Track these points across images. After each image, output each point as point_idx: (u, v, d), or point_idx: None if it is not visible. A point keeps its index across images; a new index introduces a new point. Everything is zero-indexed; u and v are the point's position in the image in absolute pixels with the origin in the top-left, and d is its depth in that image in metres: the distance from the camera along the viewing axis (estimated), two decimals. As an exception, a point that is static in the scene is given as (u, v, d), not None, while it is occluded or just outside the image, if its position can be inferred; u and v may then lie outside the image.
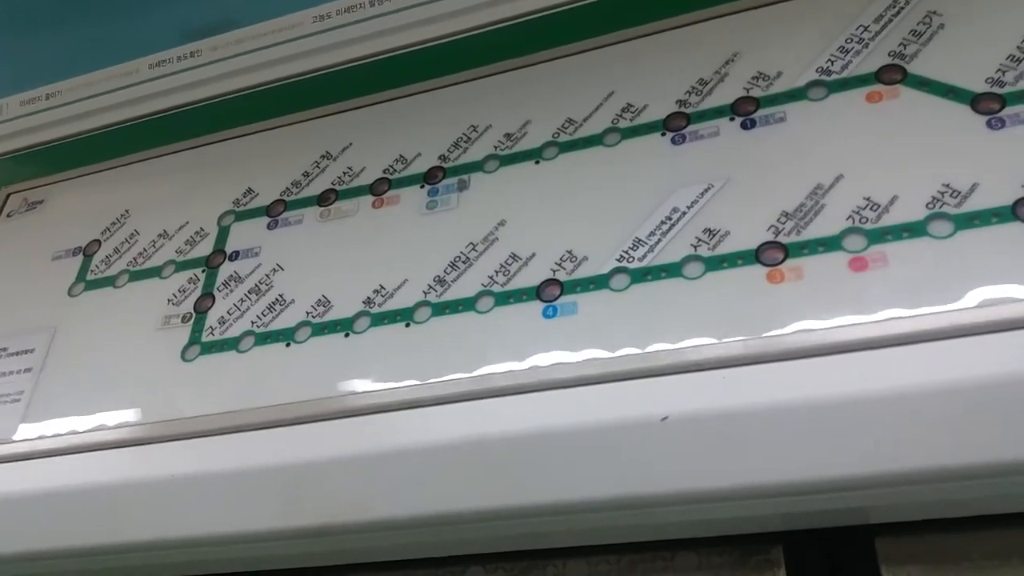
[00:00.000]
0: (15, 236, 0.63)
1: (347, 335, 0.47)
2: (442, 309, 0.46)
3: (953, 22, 0.45)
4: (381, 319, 0.47)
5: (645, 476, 0.38)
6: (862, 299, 0.38)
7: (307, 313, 0.49)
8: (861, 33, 0.46)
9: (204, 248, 0.55)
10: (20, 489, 0.48)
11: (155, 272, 0.55)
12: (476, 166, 0.51)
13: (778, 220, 0.42)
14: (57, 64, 0.67)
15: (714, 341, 0.39)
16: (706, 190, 0.44)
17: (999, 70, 0.42)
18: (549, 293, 0.44)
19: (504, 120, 0.52)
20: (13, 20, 0.66)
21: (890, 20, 0.46)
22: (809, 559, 0.43)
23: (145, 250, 0.57)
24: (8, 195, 0.67)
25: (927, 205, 0.39)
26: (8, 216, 0.65)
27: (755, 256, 0.41)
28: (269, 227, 0.54)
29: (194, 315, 0.52)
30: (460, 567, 0.47)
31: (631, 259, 0.43)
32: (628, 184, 0.46)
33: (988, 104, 0.41)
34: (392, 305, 0.47)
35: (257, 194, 0.56)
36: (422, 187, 0.52)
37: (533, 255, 0.46)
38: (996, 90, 0.41)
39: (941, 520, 0.40)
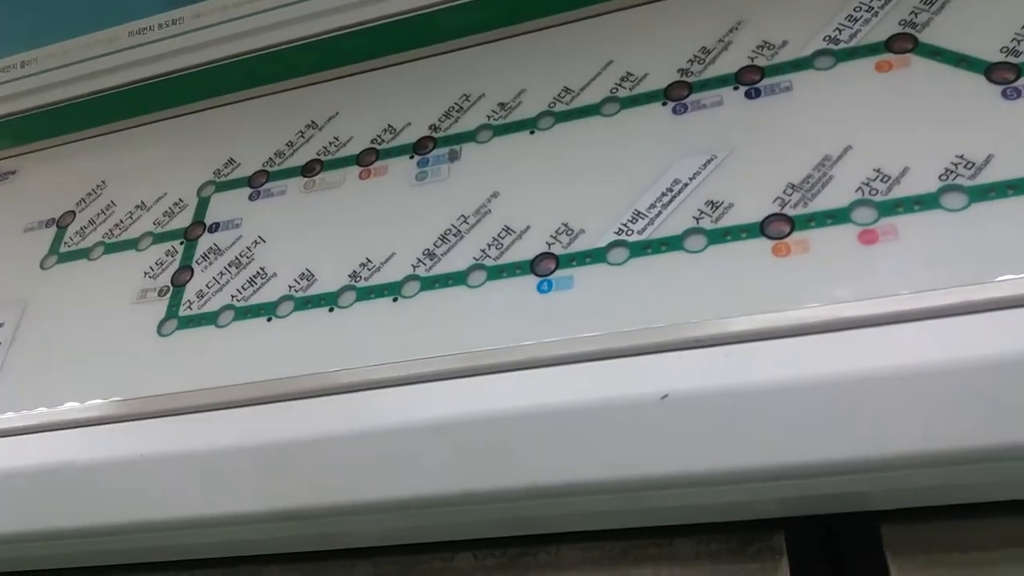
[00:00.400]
0: (-14, 207, 0.61)
1: (331, 310, 0.45)
2: (432, 283, 0.44)
3: (966, -10, 0.43)
4: (367, 293, 0.45)
5: (643, 457, 0.37)
6: (872, 273, 0.36)
7: (290, 287, 0.47)
8: (870, 1, 0.45)
9: (183, 220, 0.53)
10: (-14, 468, 0.46)
11: (132, 244, 0.53)
12: (468, 136, 0.49)
13: (784, 192, 0.40)
14: (32, 31, 0.65)
15: (717, 317, 0.37)
16: (709, 161, 0.42)
17: (1014, 39, 0.40)
18: (544, 267, 0.42)
19: (498, 89, 0.50)
20: (-14, -16, 0.63)
21: (901, -12, 0.44)
22: (812, 546, 0.42)
23: (122, 221, 0.54)
24: (-21, 165, 0.64)
25: (940, 177, 0.38)
26: (-21, 187, 0.62)
27: (760, 229, 0.39)
28: (251, 198, 0.52)
29: (171, 288, 0.49)
30: (448, 553, 0.45)
31: (630, 232, 0.42)
32: (627, 155, 0.44)
33: (1003, 74, 0.39)
34: (379, 279, 0.45)
35: (239, 164, 0.54)
36: (411, 157, 0.49)
37: (527, 228, 0.44)
38: (1011, 59, 0.40)
39: (948, 507, 0.38)
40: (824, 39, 0.44)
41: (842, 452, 0.35)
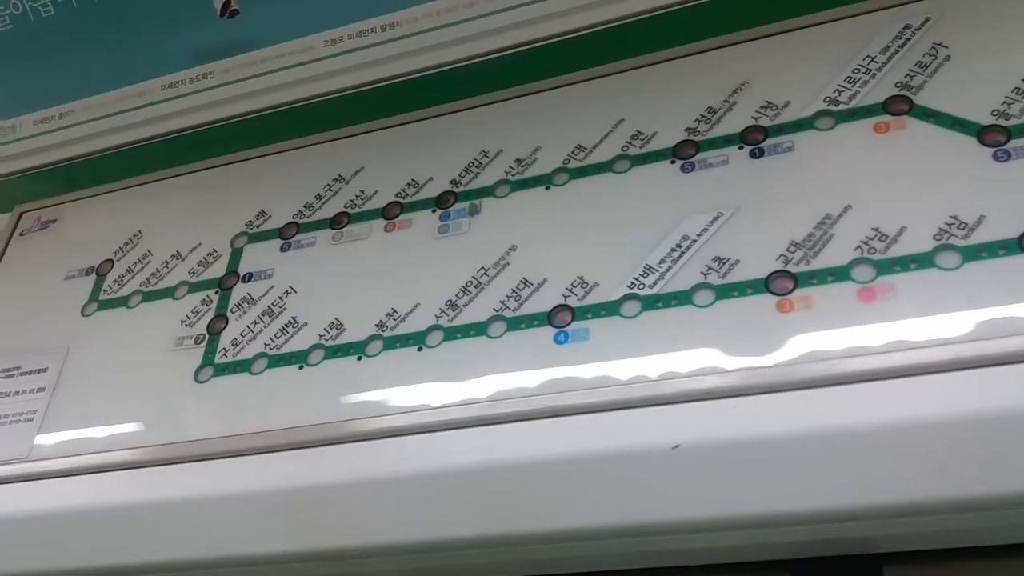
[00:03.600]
0: (29, 255, 0.64)
1: (360, 358, 0.47)
2: (454, 333, 0.46)
3: (959, 54, 0.45)
4: (393, 343, 0.47)
5: (656, 504, 0.39)
6: (871, 330, 0.38)
7: (320, 336, 0.49)
8: (868, 63, 0.47)
9: (217, 269, 0.55)
10: (34, 509, 0.48)
11: (168, 293, 0.56)
12: (487, 191, 0.52)
13: (787, 249, 0.42)
14: (71, 84, 0.68)
15: (724, 370, 0.40)
16: (716, 218, 0.45)
17: (1005, 102, 0.43)
18: (560, 319, 0.45)
19: (515, 145, 0.53)
20: (28, 40, 0.66)
21: (896, 51, 0.47)
22: (817, 586, 0.44)
23: (158, 270, 0.57)
24: (21, 213, 0.67)
25: (935, 236, 0.40)
26: (21, 235, 0.66)
27: (765, 285, 0.41)
28: (282, 249, 0.55)
29: (207, 336, 0.52)
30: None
31: (642, 286, 0.44)
32: (638, 211, 0.47)
33: (994, 136, 0.42)
34: (404, 329, 0.48)
35: (270, 216, 0.57)
36: (434, 211, 0.52)
37: (544, 280, 0.46)
38: (1002, 122, 0.42)
39: (949, 550, 0.40)
40: (825, 100, 0.47)
41: (846, 500, 0.37)
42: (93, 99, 0.67)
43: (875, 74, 0.46)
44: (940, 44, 0.46)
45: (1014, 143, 0.41)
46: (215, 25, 0.62)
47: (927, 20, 0.47)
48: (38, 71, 0.68)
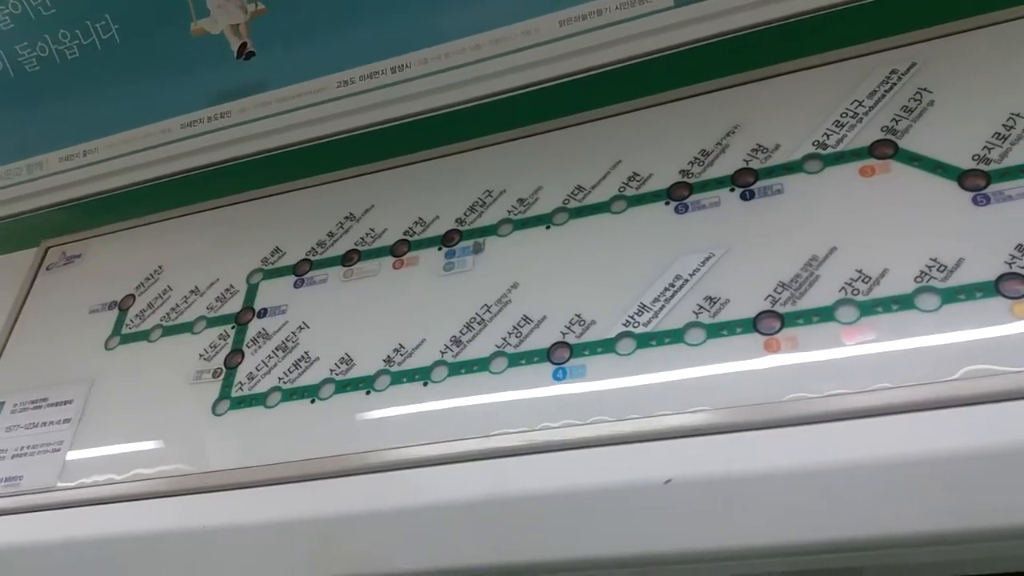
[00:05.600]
0: (55, 289, 0.66)
1: (368, 392, 0.50)
2: (458, 369, 0.48)
3: (943, 99, 0.47)
4: (400, 377, 0.50)
5: (650, 536, 0.41)
6: (854, 369, 0.40)
7: (331, 370, 0.52)
8: (856, 107, 0.49)
9: (234, 305, 0.58)
10: (61, 537, 0.51)
11: (187, 327, 0.58)
12: (491, 230, 0.54)
13: (775, 290, 0.44)
14: (94, 123, 0.71)
15: (714, 407, 0.41)
16: (707, 259, 0.47)
17: (985, 147, 0.44)
18: (559, 355, 0.47)
19: (517, 185, 0.55)
20: (54, 81, 0.69)
21: (883, 95, 0.49)
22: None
23: (178, 305, 0.60)
24: (47, 248, 0.70)
25: (915, 279, 0.42)
26: (48, 269, 0.68)
27: (753, 325, 0.43)
28: (295, 286, 0.57)
29: (224, 370, 0.55)
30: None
31: (636, 324, 0.46)
32: (633, 250, 0.49)
33: (974, 180, 0.43)
34: (411, 364, 0.50)
35: (284, 253, 0.59)
36: (440, 249, 0.54)
37: (544, 318, 0.49)
38: (982, 167, 0.44)
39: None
40: (813, 143, 0.48)
41: (831, 533, 0.39)
42: (116, 137, 0.70)
43: (862, 118, 0.48)
44: (925, 89, 0.48)
45: (993, 187, 0.43)
46: (232, 67, 0.65)
47: (913, 65, 0.49)
48: (64, 110, 0.71)
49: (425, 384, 0.49)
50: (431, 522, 0.44)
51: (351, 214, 0.59)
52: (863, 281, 0.42)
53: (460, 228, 0.55)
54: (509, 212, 0.54)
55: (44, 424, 0.57)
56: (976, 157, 0.44)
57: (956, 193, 0.43)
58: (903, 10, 0.50)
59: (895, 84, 0.49)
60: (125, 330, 0.60)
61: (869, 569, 0.41)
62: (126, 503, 0.51)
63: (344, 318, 0.54)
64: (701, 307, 0.45)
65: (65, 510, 0.52)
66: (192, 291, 0.60)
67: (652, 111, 0.55)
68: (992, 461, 0.36)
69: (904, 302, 0.41)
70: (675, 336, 0.45)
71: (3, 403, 0.59)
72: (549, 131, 0.57)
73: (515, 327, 0.49)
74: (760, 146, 0.50)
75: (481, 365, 0.48)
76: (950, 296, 0.40)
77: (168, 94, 0.68)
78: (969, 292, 0.40)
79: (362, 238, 0.57)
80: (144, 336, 0.59)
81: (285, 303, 0.56)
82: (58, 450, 0.55)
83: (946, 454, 0.37)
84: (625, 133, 0.54)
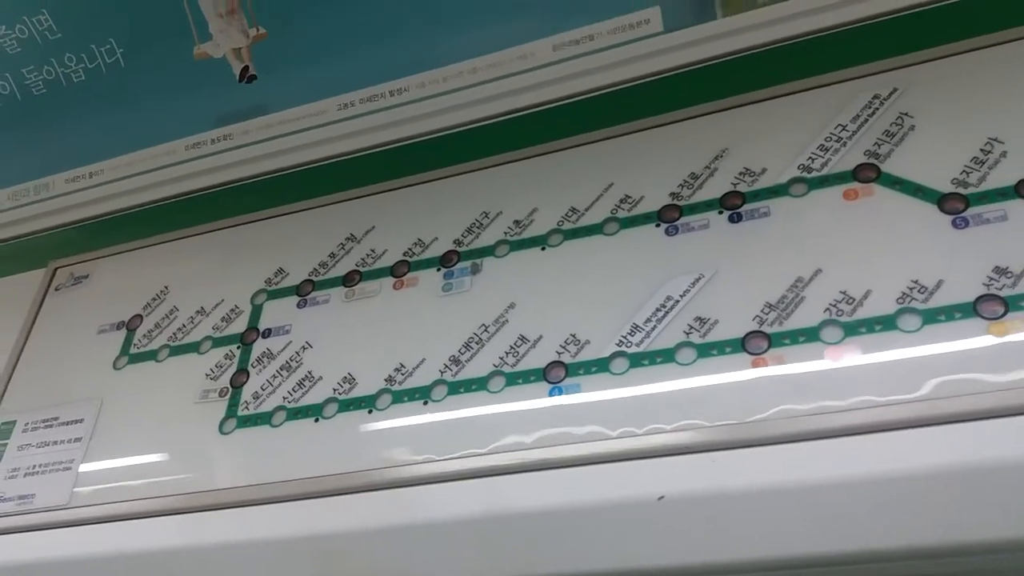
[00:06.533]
0: (63, 309, 0.68)
1: (370, 411, 0.51)
2: (457, 388, 0.50)
3: (923, 124, 0.49)
4: (401, 396, 0.51)
5: (644, 551, 0.42)
6: (838, 388, 0.42)
7: (334, 390, 0.53)
8: (840, 132, 0.50)
9: (239, 325, 0.60)
10: (74, 554, 0.52)
11: (193, 347, 0.60)
12: (488, 251, 0.55)
13: (762, 311, 0.46)
14: (100, 144, 0.72)
15: (705, 424, 0.43)
16: (697, 279, 0.48)
17: (964, 171, 0.46)
18: (555, 374, 0.48)
19: (513, 207, 0.57)
20: (60, 103, 0.71)
21: (866, 120, 0.50)
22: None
23: (184, 326, 0.62)
24: (56, 269, 0.72)
25: (897, 300, 0.43)
26: (56, 289, 0.70)
27: (742, 344, 0.45)
28: (299, 306, 0.59)
29: (230, 390, 0.56)
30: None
31: (629, 344, 0.47)
32: (626, 272, 0.50)
33: (953, 204, 0.45)
34: (411, 383, 0.51)
35: (288, 274, 0.61)
36: (438, 270, 0.56)
37: (540, 337, 0.50)
38: (961, 191, 0.45)
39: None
40: (799, 167, 0.50)
41: (818, 547, 0.40)
42: (121, 159, 0.72)
43: (846, 142, 0.50)
44: (906, 114, 0.50)
45: (971, 211, 0.44)
46: (234, 90, 0.67)
47: (895, 90, 0.51)
48: (70, 132, 0.72)
49: (425, 403, 0.50)
50: (432, 538, 0.46)
51: (352, 235, 0.61)
52: (847, 302, 0.44)
53: (458, 249, 0.56)
54: (506, 233, 0.56)
55: (55, 443, 0.59)
56: (955, 181, 0.46)
57: (936, 216, 0.45)
58: (885, 36, 0.52)
59: (878, 109, 0.50)
60: (133, 350, 0.62)
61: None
62: (136, 520, 0.52)
63: (346, 338, 0.55)
64: (691, 327, 0.47)
65: (76, 528, 0.54)
66: (198, 311, 0.62)
67: (643, 135, 0.56)
68: (971, 477, 0.38)
69: (886, 322, 0.43)
70: (667, 355, 0.46)
71: (15, 422, 0.61)
72: (544, 154, 0.59)
73: (512, 347, 0.50)
74: (747, 169, 0.51)
75: (479, 384, 0.50)
76: (930, 317, 0.42)
77: (172, 116, 0.69)
78: (948, 313, 0.42)
79: (363, 259, 0.59)
80: (152, 356, 0.61)
81: (289, 323, 0.58)
82: (69, 468, 0.57)
83: (927, 470, 0.39)
84: (617, 156, 0.56)
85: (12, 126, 0.72)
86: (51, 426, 0.60)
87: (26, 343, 0.66)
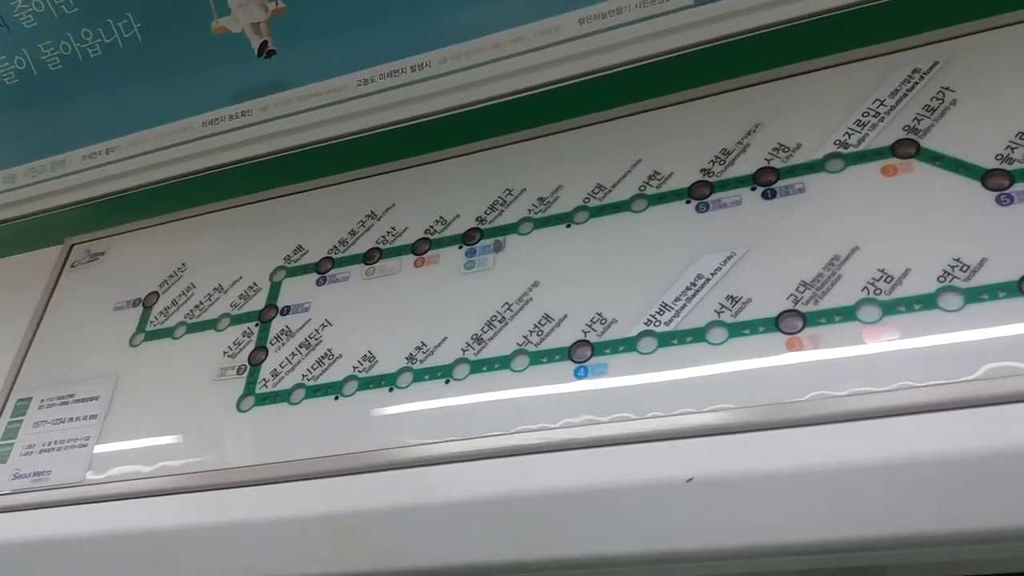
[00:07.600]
0: (79, 286, 0.67)
1: (391, 390, 0.50)
2: (479, 367, 0.49)
3: (965, 98, 0.47)
4: (423, 375, 0.50)
5: (672, 534, 0.41)
6: (876, 369, 0.40)
7: (354, 367, 0.52)
8: (877, 107, 0.49)
9: (257, 302, 0.59)
10: (89, 531, 0.52)
11: (211, 324, 0.59)
12: (511, 228, 0.54)
13: (797, 289, 0.44)
14: (117, 120, 0.72)
15: (736, 406, 0.42)
16: (729, 258, 0.47)
17: (1008, 147, 0.44)
18: (580, 354, 0.47)
19: (538, 184, 0.55)
20: (77, 79, 0.70)
21: (905, 95, 0.49)
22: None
23: (201, 303, 0.61)
24: (72, 245, 0.71)
25: (938, 279, 0.42)
26: (72, 266, 0.69)
27: (775, 324, 0.44)
28: (318, 283, 0.58)
29: (248, 367, 0.55)
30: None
31: (658, 323, 0.46)
32: (655, 249, 0.49)
33: (998, 180, 0.43)
34: (433, 362, 0.50)
35: (307, 251, 0.60)
36: (460, 248, 0.55)
37: (565, 316, 0.49)
38: (1005, 167, 0.44)
39: (954, 577, 0.42)
40: (835, 143, 0.48)
41: (850, 531, 0.39)
42: (138, 135, 0.71)
43: (884, 117, 0.48)
44: (947, 88, 0.48)
45: (1017, 187, 0.43)
46: (253, 65, 0.66)
47: (935, 64, 0.49)
48: (86, 108, 0.71)
49: (447, 381, 0.49)
50: (452, 518, 0.45)
51: (372, 212, 0.60)
52: (885, 281, 0.43)
53: (481, 227, 0.55)
54: (530, 211, 0.54)
55: (71, 420, 0.58)
56: (999, 156, 0.44)
57: (979, 193, 0.43)
58: (925, 9, 0.50)
59: (917, 83, 0.49)
60: (149, 327, 0.61)
61: (892, 568, 0.42)
62: (152, 498, 0.52)
63: (366, 316, 0.54)
64: (723, 306, 0.45)
65: (92, 505, 0.53)
66: (216, 288, 0.61)
67: (672, 110, 0.55)
68: (1016, 460, 0.37)
69: (927, 302, 0.41)
70: (697, 335, 0.45)
71: (31, 399, 0.60)
72: (569, 130, 0.57)
73: (536, 325, 0.49)
74: (781, 145, 0.50)
75: (502, 363, 0.49)
76: (973, 296, 0.40)
77: (189, 92, 0.68)
78: (992, 292, 0.40)
79: (383, 236, 0.58)
80: (168, 333, 0.60)
81: (308, 300, 0.57)
82: (85, 445, 0.56)
83: (968, 453, 0.37)
84: (645, 132, 0.54)
85: (28, 102, 0.71)
86: (67, 403, 0.59)
87: (42, 320, 0.66)
